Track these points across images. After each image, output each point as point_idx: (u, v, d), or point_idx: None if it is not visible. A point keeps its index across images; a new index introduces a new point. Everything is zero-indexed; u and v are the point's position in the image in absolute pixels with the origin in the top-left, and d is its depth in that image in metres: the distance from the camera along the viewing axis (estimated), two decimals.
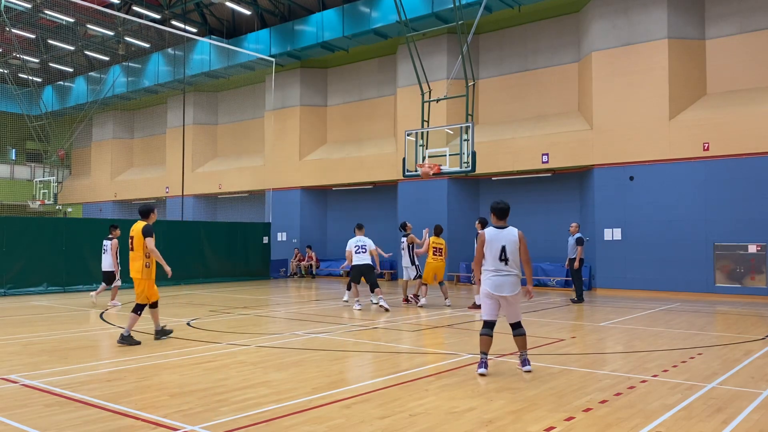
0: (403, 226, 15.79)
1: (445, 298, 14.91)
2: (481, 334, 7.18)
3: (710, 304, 15.57)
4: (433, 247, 14.66)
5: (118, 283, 14.91)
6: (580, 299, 15.86)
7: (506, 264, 7.14)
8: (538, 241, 21.65)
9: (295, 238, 27.54)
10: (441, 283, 15.01)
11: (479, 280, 7.35)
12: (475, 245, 14.18)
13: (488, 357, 7.18)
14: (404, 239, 15.41)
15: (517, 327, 7.26)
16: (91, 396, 6.03)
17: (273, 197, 27.41)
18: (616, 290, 18.76)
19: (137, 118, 37.71)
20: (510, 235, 7.22)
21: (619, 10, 19.20)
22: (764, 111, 17.05)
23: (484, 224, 14.14)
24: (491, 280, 7.15)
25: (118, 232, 15.04)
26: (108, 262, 14.86)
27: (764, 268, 16.81)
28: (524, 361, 7.27)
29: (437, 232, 15.02)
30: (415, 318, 12.65)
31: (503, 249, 7.14)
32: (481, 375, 7.00)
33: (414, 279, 15.26)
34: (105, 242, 15.06)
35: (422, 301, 14.72)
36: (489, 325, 7.19)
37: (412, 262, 15.22)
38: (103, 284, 15.08)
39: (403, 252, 15.39)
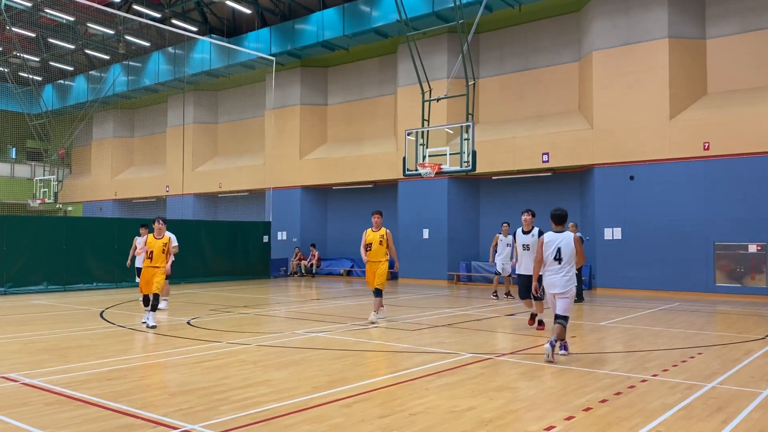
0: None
1: (375, 311, 11.75)
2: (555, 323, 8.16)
3: (710, 304, 15.57)
4: (368, 243, 11.63)
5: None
6: (579, 299, 15.87)
7: (560, 263, 8.07)
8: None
9: (295, 237, 27.55)
10: (376, 291, 11.71)
11: (537, 279, 8.40)
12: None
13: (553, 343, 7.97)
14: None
15: (558, 318, 8.06)
16: (91, 395, 6.03)
17: (273, 196, 27.41)
18: (616, 290, 18.76)
19: (137, 117, 37.71)
20: (566, 237, 8.16)
21: (619, 10, 19.19)
22: (764, 111, 17.04)
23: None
24: (546, 280, 8.22)
25: (145, 230, 14.85)
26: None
27: (764, 267, 16.81)
28: (561, 346, 8.26)
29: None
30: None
31: (558, 250, 8.07)
32: (564, 354, 8.15)
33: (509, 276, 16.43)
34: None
35: (371, 317, 11.62)
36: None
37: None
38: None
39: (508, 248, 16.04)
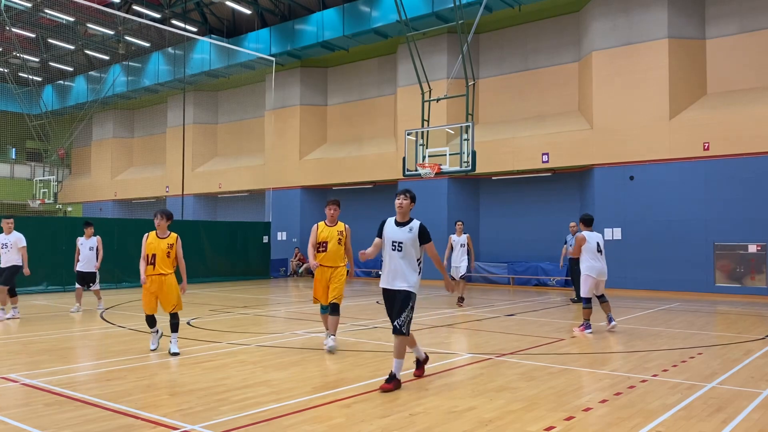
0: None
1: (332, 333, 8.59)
2: (585, 308, 10.53)
3: (710, 304, 15.57)
4: (321, 242, 8.62)
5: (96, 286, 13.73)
6: (579, 299, 15.85)
7: (601, 254, 10.50)
8: (538, 241, 21.68)
9: (295, 238, 27.54)
10: (332, 308, 8.54)
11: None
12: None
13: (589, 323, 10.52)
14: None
15: (602, 297, 10.64)
16: (90, 395, 6.02)
17: (273, 197, 27.40)
18: (616, 290, 18.73)
19: (137, 117, 37.72)
20: (598, 235, 10.68)
21: (619, 10, 19.20)
22: (764, 111, 17.05)
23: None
24: (595, 268, 10.42)
25: (90, 230, 13.68)
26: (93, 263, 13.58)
27: (764, 268, 16.81)
28: (609, 319, 10.62)
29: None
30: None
31: (598, 244, 10.47)
32: (590, 333, 10.25)
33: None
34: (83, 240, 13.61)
35: (328, 343, 8.53)
36: (589, 300, 10.53)
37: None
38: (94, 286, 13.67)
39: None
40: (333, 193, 27.73)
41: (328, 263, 8.55)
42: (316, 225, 8.74)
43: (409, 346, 6.75)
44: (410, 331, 6.56)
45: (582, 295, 10.59)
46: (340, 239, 8.60)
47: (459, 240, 14.71)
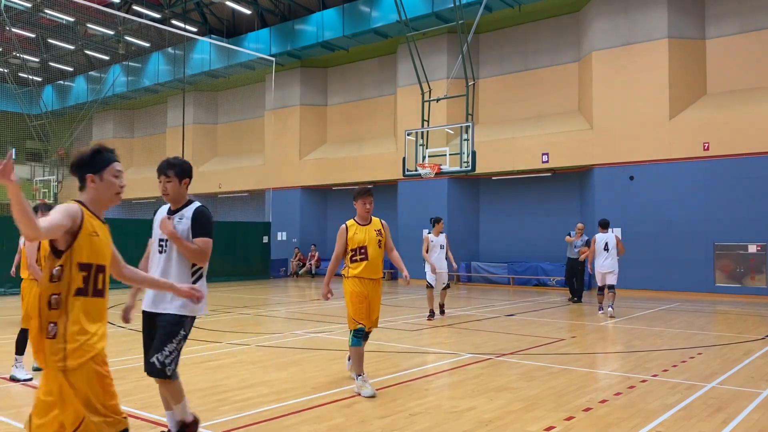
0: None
1: (357, 374, 6.25)
2: (597, 294, 13.31)
3: (710, 304, 15.57)
4: (357, 247, 6.32)
5: None
6: (579, 299, 15.88)
7: (608, 251, 12.69)
8: (537, 241, 21.67)
9: (294, 238, 27.55)
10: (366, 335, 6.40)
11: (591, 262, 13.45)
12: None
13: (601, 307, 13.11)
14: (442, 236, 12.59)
15: (612, 287, 12.77)
16: None
17: (273, 197, 27.40)
18: (616, 290, 18.72)
19: (137, 118, 37.72)
20: (611, 236, 12.88)
21: (619, 10, 19.19)
22: (764, 111, 17.05)
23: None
24: (599, 263, 12.81)
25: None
26: None
27: (764, 268, 16.81)
28: (600, 308, 13.08)
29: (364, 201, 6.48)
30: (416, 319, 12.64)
31: (606, 243, 12.73)
32: (605, 316, 12.59)
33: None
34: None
35: (365, 389, 6.06)
36: (601, 289, 13.00)
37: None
38: None
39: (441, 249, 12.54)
40: (333, 193, 27.72)
41: (371, 275, 6.28)
42: (344, 225, 6.39)
43: (172, 400, 4.34)
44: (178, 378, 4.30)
45: (598, 284, 13.10)
46: (380, 241, 6.36)
47: (438, 240, 12.47)
